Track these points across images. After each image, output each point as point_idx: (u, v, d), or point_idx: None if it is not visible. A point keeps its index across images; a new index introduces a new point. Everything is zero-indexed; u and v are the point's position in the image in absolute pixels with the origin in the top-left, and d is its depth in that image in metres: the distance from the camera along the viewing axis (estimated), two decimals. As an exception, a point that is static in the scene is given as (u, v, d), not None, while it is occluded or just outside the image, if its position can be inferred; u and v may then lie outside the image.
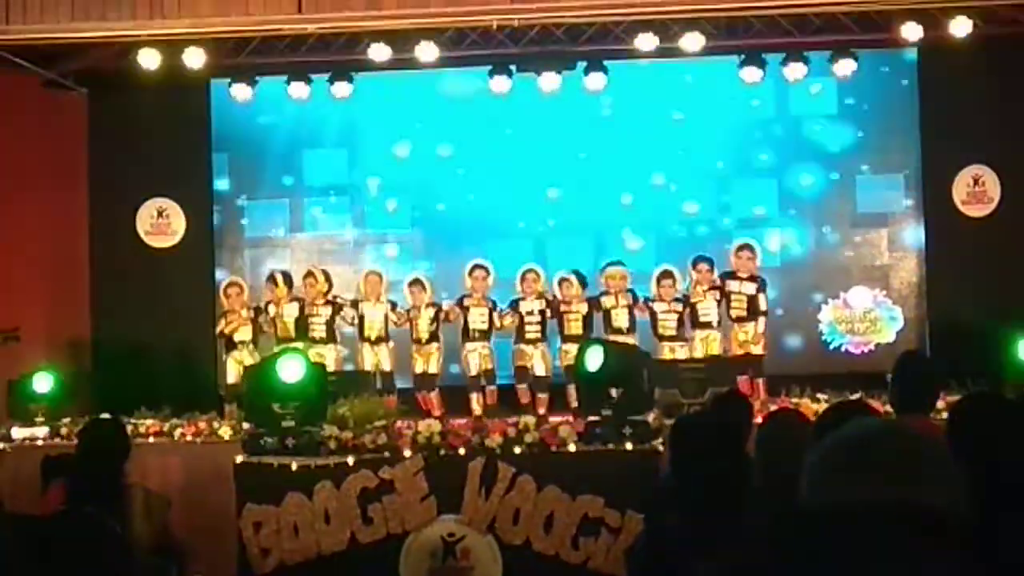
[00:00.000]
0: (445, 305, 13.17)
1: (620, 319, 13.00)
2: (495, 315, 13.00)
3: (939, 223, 14.83)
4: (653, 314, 13.03)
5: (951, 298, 14.33)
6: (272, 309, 13.54)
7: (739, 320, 13.11)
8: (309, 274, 13.70)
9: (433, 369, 13.18)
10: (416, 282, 13.54)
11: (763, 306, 13.16)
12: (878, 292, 14.79)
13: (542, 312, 12.99)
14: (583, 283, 13.08)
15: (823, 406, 10.44)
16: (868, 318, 14.65)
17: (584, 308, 12.93)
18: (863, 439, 1.73)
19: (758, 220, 15.30)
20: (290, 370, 8.50)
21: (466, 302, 13.06)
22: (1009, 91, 14.24)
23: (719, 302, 13.10)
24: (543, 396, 12.32)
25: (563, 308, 12.95)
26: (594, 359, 8.37)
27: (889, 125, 15.19)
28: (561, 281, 13.10)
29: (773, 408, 8.23)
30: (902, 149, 15.16)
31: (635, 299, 13.12)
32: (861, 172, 15.24)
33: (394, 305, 13.54)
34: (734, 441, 4.97)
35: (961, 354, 12.37)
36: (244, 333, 13.32)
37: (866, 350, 14.29)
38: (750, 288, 13.16)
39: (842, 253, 15.29)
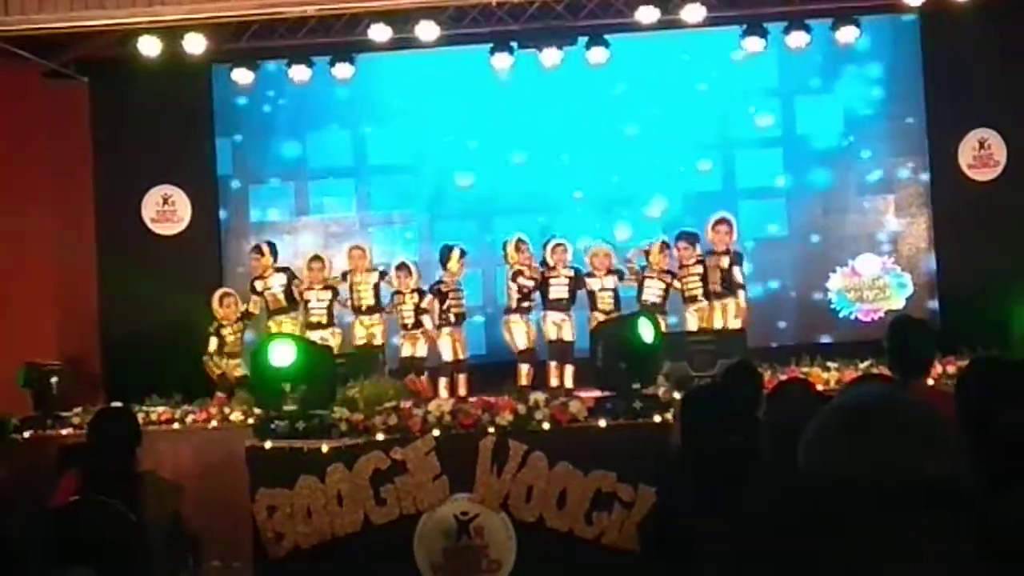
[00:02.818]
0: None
1: (606, 301, 12.99)
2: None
3: (946, 188, 14.78)
4: (641, 283, 13.11)
5: (959, 263, 14.29)
6: (259, 284, 13.61)
7: (717, 295, 13.03)
8: (317, 258, 13.72)
9: (421, 353, 13.20)
10: (403, 266, 13.54)
11: (739, 279, 13.07)
12: (886, 259, 14.79)
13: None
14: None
15: (833, 375, 10.45)
16: (877, 285, 14.66)
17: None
18: (863, 408, 1.72)
19: (764, 190, 15.26)
20: (281, 355, 8.48)
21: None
22: (1013, 54, 14.16)
23: (702, 276, 13.05)
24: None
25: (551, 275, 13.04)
26: (646, 332, 8.36)
27: (894, 91, 15.14)
28: (555, 247, 13.12)
29: (783, 378, 8.23)
30: (907, 115, 15.10)
31: (620, 277, 13.13)
32: (866, 138, 15.18)
33: (384, 274, 13.61)
34: (744, 412, 4.97)
35: (970, 318, 12.36)
36: (233, 345, 13.35)
37: (876, 317, 14.30)
38: (724, 261, 13.07)
39: (850, 221, 15.24)
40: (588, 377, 10.13)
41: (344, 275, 13.74)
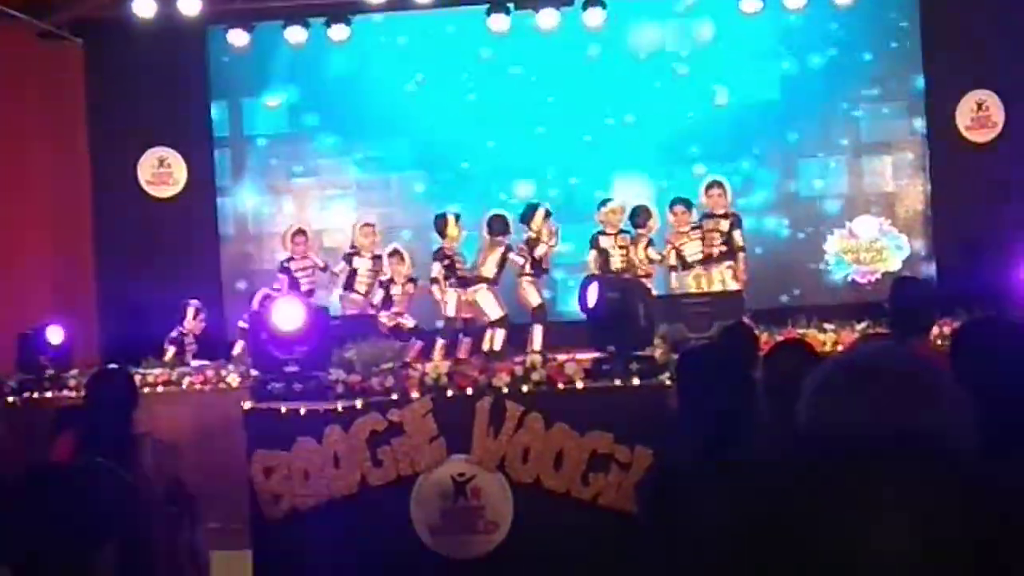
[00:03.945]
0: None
1: (615, 260, 12.98)
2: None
3: (943, 149, 14.78)
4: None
5: (956, 225, 14.29)
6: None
7: (718, 259, 13.02)
8: (395, 253, 13.60)
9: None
10: (395, 253, 13.47)
11: (740, 241, 13.07)
12: (883, 221, 14.78)
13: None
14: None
15: (830, 336, 10.45)
16: (874, 247, 14.66)
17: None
18: (865, 364, 1.71)
19: (762, 152, 15.23)
20: (287, 316, 8.47)
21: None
22: (1012, 15, 14.12)
23: (702, 240, 13.05)
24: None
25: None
26: (592, 295, 8.34)
27: (891, 52, 15.11)
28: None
29: (779, 339, 8.23)
30: (905, 76, 15.08)
31: (631, 240, 13.12)
32: (864, 100, 15.16)
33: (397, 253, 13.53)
34: (740, 372, 4.96)
35: (967, 280, 12.35)
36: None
37: (872, 279, 14.31)
38: (724, 224, 13.08)
39: (847, 182, 15.23)
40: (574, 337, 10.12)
41: (349, 257, 13.64)
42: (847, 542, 1.24)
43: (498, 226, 12.84)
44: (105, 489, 5.52)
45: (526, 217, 13.00)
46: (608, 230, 13.09)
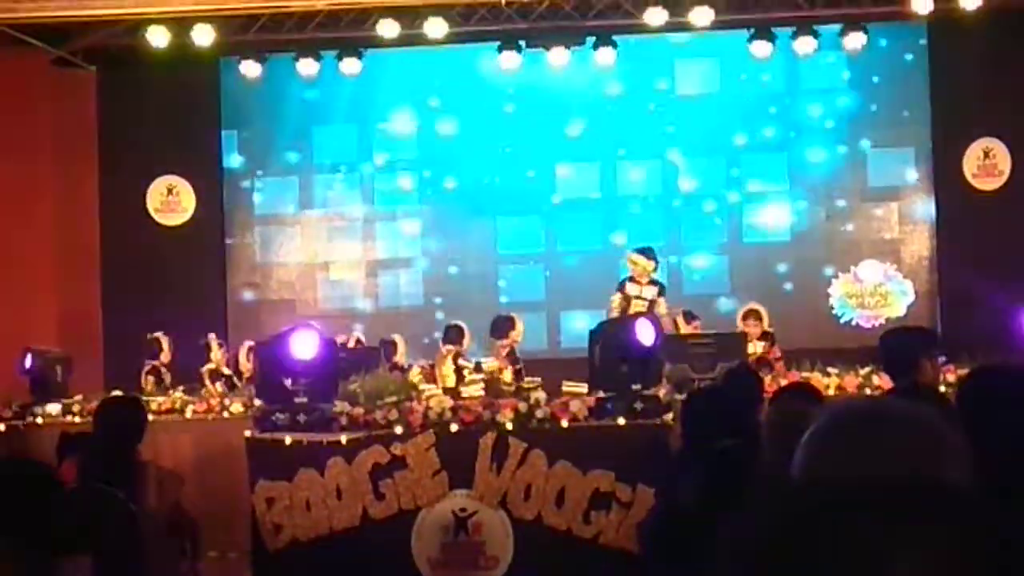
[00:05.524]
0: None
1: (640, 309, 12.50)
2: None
3: (950, 196, 14.81)
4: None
5: (962, 271, 14.29)
6: None
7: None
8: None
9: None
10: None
11: (777, 353, 12.26)
12: (889, 266, 14.80)
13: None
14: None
15: (833, 380, 10.44)
16: (879, 292, 14.66)
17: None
18: (873, 413, 1.73)
19: (768, 194, 15.29)
20: (304, 346, 8.49)
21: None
22: (1019, 64, 14.19)
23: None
24: None
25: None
26: (647, 334, 8.40)
27: (899, 99, 15.15)
28: None
29: (783, 382, 8.24)
30: (912, 122, 15.12)
31: (661, 290, 12.52)
32: (872, 146, 15.21)
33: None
34: (745, 415, 4.99)
35: (972, 327, 12.35)
36: None
37: (877, 324, 14.28)
38: (650, 292, 12.56)
39: (853, 227, 15.26)
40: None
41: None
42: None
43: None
44: (107, 516, 5.54)
45: (505, 329, 12.20)
46: (638, 279, 12.54)
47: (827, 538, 1.26)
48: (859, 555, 1.24)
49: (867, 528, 1.25)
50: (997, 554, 1.27)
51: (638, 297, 12.39)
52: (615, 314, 11.92)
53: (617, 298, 12.43)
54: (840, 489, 1.37)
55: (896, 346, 5.90)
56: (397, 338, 13.10)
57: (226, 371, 12.99)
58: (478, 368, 11.36)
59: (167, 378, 12.63)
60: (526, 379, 10.99)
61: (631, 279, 12.45)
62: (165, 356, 12.89)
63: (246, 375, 12.66)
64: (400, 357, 12.81)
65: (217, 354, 13.02)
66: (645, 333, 8.51)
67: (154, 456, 6.59)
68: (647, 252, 12.54)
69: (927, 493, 1.35)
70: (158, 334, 12.95)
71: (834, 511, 1.29)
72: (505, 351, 11.86)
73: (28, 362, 11.68)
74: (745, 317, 12.56)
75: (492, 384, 10.93)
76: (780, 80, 15.16)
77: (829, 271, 14.97)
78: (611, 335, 9.08)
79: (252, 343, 12.98)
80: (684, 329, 12.36)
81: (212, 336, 13.14)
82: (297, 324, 12.02)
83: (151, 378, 12.69)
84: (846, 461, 1.63)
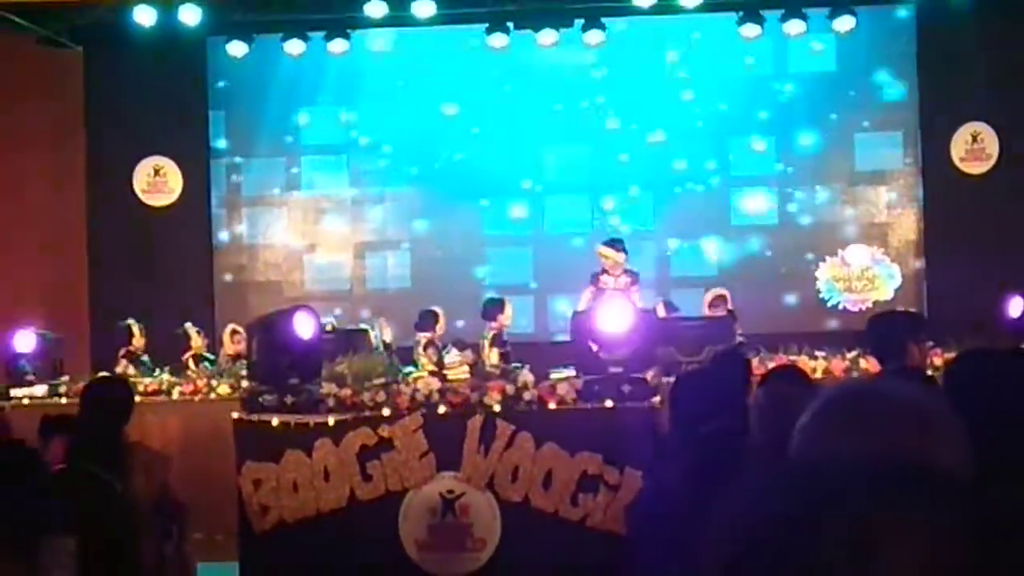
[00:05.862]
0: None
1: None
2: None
3: (937, 180, 14.84)
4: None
5: (949, 255, 14.32)
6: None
7: None
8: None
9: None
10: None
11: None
12: (876, 250, 14.83)
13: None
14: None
15: (820, 363, 10.45)
16: (866, 276, 14.70)
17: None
18: (870, 395, 1.73)
19: (756, 177, 15.29)
20: (303, 327, 8.44)
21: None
22: (1007, 48, 14.21)
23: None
24: None
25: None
26: (624, 319, 8.39)
27: (887, 82, 15.16)
28: None
29: (771, 365, 8.25)
30: (901, 106, 15.13)
31: (635, 279, 12.43)
32: (859, 129, 15.21)
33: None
34: (734, 397, 4.99)
35: (958, 311, 12.38)
36: None
37: (864, 307, 14.33)
38: (624, 283, 12.37)
39: (840, 211, 15.28)
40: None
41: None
42: (847, 570, 1.25)
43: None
44: (95, 497, 5.53)
45: (495, 311, 12.23)
46: (611, 271, 12.44)
47: (824, 520, 1.26)
48: (853, 538, 1.23)
49: (859, 510, 1.25)
50: (982, 537, 1.27)
51: (613, 289, 12.28)
52: (582, 307, 11.74)
53: (589, 292, 12.23)
54: (836, 470, 1.37)
55: (884, 330, 5.93)
56: (382, 321, 12.97)
57: (208, 355, 12.91)
58: (443, 356, 11.45)
59: (146, 360, 12.55)
60: (513, 364, 10.99)
61: (604, 271, 12.29)
62: (138, 341, 12.77)
63: (231, 355, 12.63)
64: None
65: (197, 340, 12.94)
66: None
67: (141, 437, 6.57)
68: (615, 244, 12.40)
69: (917, 477, 1.35)
70: (129, 320, 12.86)
71: (830, 493, 1.28)
72: (492, 333, 11.87)
73: (29, 342, 11.66)
74: (713, 304, 12.53)
75: (477, 368, 10.98)
76: (768, 62, 15.15)
77: (816, 255, 14.99)
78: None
79: (235, 325, 12.99)
80: None
81: (188, 325, 13.04)
82: (295, 306, 11.99)
83: (126, 362, 12.59)
84: (844, 443, 1.63)
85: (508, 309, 12.19)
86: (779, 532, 1.28)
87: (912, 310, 12.40)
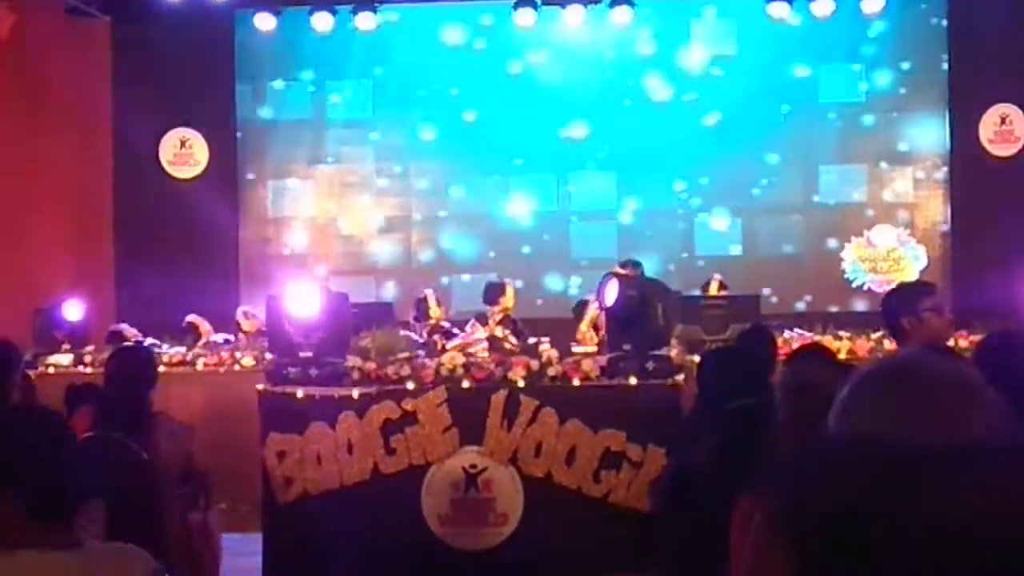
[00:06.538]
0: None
1: None
2: None
3: (965, 162, 14.76)
4: None
5: (975, 237, 14.26)
6: None
7: None
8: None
9: None
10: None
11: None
12: (902, 231, 14.77)
13: None
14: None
15: (845, 344, 10.42)
16: (891, 257, 14.65)
17: None
18: (912, 369, 1.72)
19: (784, 156, 15.23)
20: (305, 301, 8.48)
21: None
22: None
23: None
24: None
25: None
26: (611, 293, 8.36)
27: (917, 63, 15.08)
28: None
29: (795, 345, 8.23)
30: (929, 87, 15.05)
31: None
32: (888, 110, 15.13)
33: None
34: (759, 375, 4.99)
35: (984, 293, 12.32)
36: None
37: (889, 288, 14.26)
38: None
39: (867, 191, 15.21)
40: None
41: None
42: (905, 539, 1.26)
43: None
44: (121, 464, 5.56)
45: (496, 295, 11.98)
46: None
47: (883, 494, 1.26)
48: (915, 507, 1.24)
49: (922, 483, 1.25)
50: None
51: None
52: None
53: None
54: (907, 448, 1.37)
55: (883, 311, 5.81)
56: (428, 293, 12.81)
57: (218, 339, 12.63)
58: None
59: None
60: (530, 340, 10.88)
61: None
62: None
63: (247, 332, 12.60)
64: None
65: (204, 327, 12.82)
66: (609, 293, 8.42)
67: (165, 408, 6.58)
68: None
69: (972, 454, 1.35)
70: (123, 326, 12.63)
71: (906, 470, 1.28)
72: (498, 317, 11.79)
73: (78, 311, 11.72)
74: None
75: (496, 344, 10.90)
76: (796, 43, 15.06)
77: (842, 235, 14.94)
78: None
79: (245, 308, 13.00)
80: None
81: (193, 316, 12.91)
82: (303, 281, 11.96)
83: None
84: (892, 416, 1.62)
85: (509, 291, 12.07)
86: (859, 508, 1.28)
87: (913, 281, 12.36)
